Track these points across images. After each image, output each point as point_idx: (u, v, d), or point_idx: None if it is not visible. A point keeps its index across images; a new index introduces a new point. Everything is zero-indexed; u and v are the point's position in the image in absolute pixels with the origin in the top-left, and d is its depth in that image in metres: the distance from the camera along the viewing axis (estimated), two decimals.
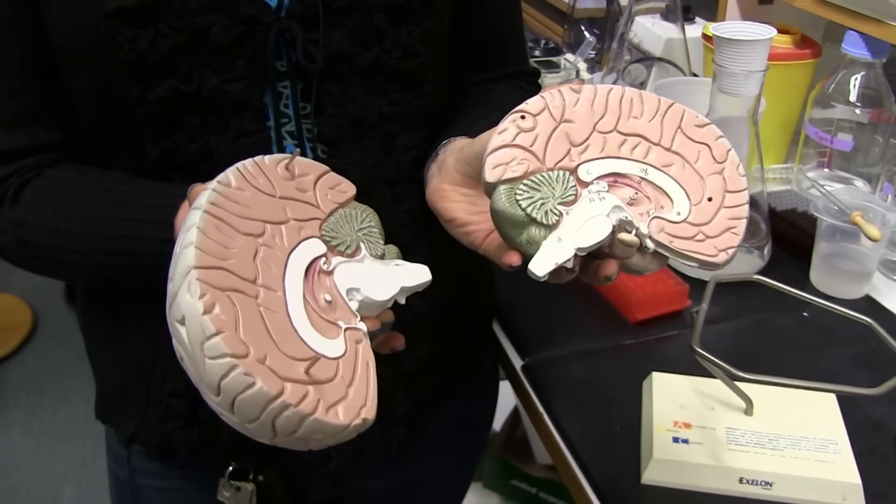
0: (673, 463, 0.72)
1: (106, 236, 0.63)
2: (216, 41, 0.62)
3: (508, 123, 0.54)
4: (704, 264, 0.53)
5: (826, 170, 1.16)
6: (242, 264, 0.47)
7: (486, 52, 0.81)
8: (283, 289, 0.49)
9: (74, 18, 0.61)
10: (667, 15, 1.37)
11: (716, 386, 0.79)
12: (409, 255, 0.72)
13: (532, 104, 0.55)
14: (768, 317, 0.94)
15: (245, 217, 0.49)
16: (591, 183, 0.54)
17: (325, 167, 0.57)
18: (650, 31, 1.37)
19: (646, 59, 1.36)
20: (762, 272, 0.99)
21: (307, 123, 0.68)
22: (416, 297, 0.73)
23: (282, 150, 0.68)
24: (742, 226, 0.54)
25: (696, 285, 0.95)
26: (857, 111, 1.08)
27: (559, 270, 0.52)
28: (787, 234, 1.05)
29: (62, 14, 0.61)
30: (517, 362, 0.88)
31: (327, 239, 0.54)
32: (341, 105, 0.67)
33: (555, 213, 0.52)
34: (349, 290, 0.52)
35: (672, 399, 0.79)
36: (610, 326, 0.93)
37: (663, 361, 0.86)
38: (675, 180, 0.54)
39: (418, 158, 0.71)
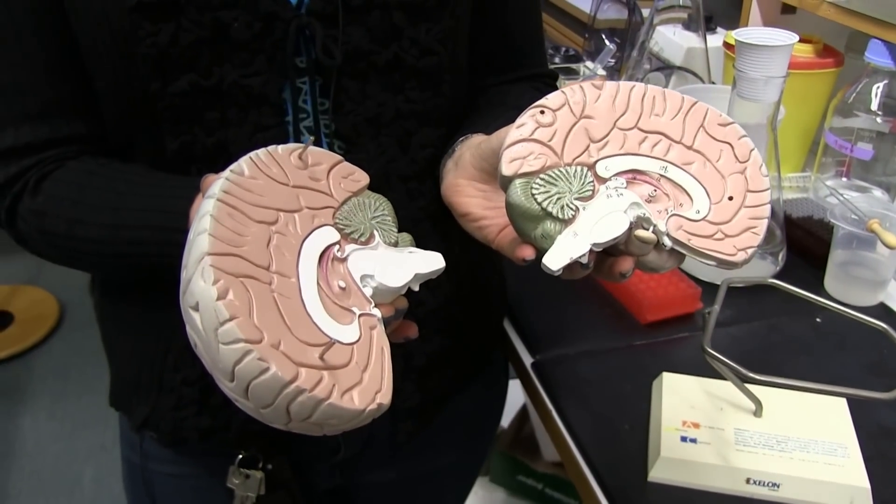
0: (680, 462, 0.73)
1: (122, 227, 0.63)
2: (237, 36, 0.62)
3: (527, 118, 0.55)
4: (723, 263, 0.53)
5: (844, 179, 1.16)
6: (256, 251, 0.47)
7: (505, 54, 0.81)
8: (296, 275, 0.49)
9: (98, 12, 0.61)
10: (688, 24, 1.37)
11: (725, 388, 0.79)
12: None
13: (552, 99, 0.56)
14: (781, 322, 0.94)
15: (258, 205, 0.49)
16: (609, 179, 0.54)
17: (338, 157, 0.57)
18: (671, 40, 1.37)
19: (665, 67, 1.37)
20: (776, 278, 0.98)
21: (325, 119, 0.68)
22: (428, 293, 0.74)
23: None
24: (763, 226, 0.53)
25: (708, 288, 0.95)
26: (879, 120, 1.08)
27: (573, 266, 0.52)
28: (802, 242, 1.05)
29: (86, 8, 0.62)
30: (527, 360, 0.89)
31: (341, 227, 0.54)
32: (359, 101, 0.68)
33: (571, 208, 0.53)
34: (363, 277, 0.52)
35: (681, 399, 0.79)
36: (621, 327, 0.93)
37: (673, 363, 0.86)
38: (696, 178, 0.55)
39: (434, 156, 0.72)
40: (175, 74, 0.62)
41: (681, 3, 1.30)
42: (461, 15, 0.72)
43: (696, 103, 0.56)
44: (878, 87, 1.07)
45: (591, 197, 0.54)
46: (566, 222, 0.52)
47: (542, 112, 0.55)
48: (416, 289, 0.55)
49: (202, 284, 0.44)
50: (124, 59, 0.62)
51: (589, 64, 1.44)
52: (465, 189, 0.65)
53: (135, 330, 0.75)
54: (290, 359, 0.44)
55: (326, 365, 0.46)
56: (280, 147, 0.53)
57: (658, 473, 0.73)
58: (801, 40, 1.17)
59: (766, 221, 0.54)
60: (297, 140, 0.68)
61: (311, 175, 0.54)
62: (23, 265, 2.79)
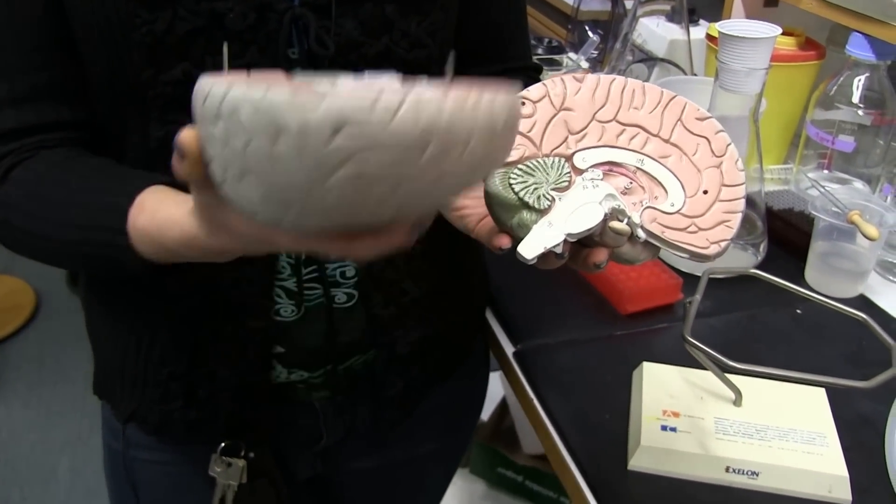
0: (660, 450, 0.73)
1: (68, 224, 0.62)
2: (231, 27, 0.63)
3: None
4: (695, 256, 0.53)
5: (826, 171, 1.16)
6: None
7: (488, 46, 0.82)
8: None
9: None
10: (671, 16, 1.37)
11: (706, 377, 0.80)
12: None
13: (533, 91, 0.56)
14: (761, 312, 0.95)
15: None
16: (586, 171, 0.55)
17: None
18: (654, 32, 1.37)
19: (648, 59, 1.37)
20: (758, 269, 0.99)
21: None
22: (412, 283, 0.74)
23: None
24: (737, 220, 0.54)
25: (690, 279, 0.96)
26: (860, 112, 1.09)
27: (548, 255, 0.53)
28: (784, 233, 1.06)
29: None
30: (509, 349, 0.89)
31: None
32: None
33: (547, 199, 0.53)
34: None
35: (662, 389, 0.80)
36: (602, 317, 0.94)
37: (654, 353, 0.87)
38: (672, 171, 0.55)
39: None
40: (169, 63, 0.62)
41: None
42: (450, 9, 0.72)
43: (674, 97, 0.57)
44: (860, 80, 1.08)
45: (567, 188, 0.54)
46: (542, 212, 0.53)
47: (523, 103, 0.56)
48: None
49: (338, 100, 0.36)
50: (118, 45, 0.62)
51: (572, 55, 1.44)
52: None
53: (120, 321, 0.75)
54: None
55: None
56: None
57: (638, 462, 0.74)
58: (783, 33, 1.18)
59: (740, 215, 0.54)
60: None
61: None
62: None
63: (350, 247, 0.43)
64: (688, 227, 0.54)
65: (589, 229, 0.52)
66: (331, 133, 0.36)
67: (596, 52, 1.49)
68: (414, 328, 0.76)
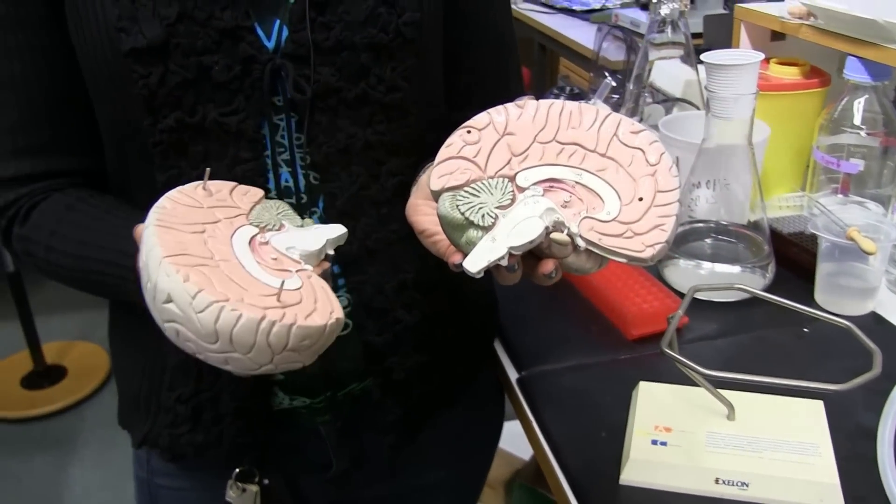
0: (650, 463, 0.75)
1: (84, 258, 0.73)
2: (218, 78, 0.70)
3: (455, 137, 0.60)
4: (632, 260, 0.57)
5: (840, 195, 1.17)
6: (197, 249, 0.57)
7: (481, 89, 0.87)
8: (235, 258, 0.59)
9: (98, 57, 0.70)
10: (685, 58, 1.42)
11: (702, 395, 0.81)
12: (395, 271, 0.78)
13: (478, 120, 0.61)
14: (767, 334, 0.96)
15: (185, 223, 0.60)
16: (528, 188, 0.59)
17: (234, 183, 0.69)
18: (670, 73, 1.42)
19: (667, 100, 1.41)
20: (766, 291, 1.00)
21: (301, 153, 0.75)
22: (404, 311, 0.79)
23: (277, 176, 0.75)
24: (671, 223, 0.57)
25: (694, 304, 0.98)
26: (863, 135, 1.10)
27: (500, 269, 0.57)
28: (794, 256, 1.07)
29: (87, 53, 0.71)
30: (513, 375, 0.92)
31: (256, 224, 0.65)
32: (331, 134, 0.74)
33: (491, 216, 0.58)
34: (287, 249, 0.63)
35: (657, 405, 0.82)
36: (608, 342, 0.96)
37: (656, 375, 0.88)
38: (608, 183, 0.59)
39: (403, 183, 0.77)
40: (164, 112, 0.70)
41: (672, 38, 1.34)
42: (427, 53, 0.78)
43: (609, 115, 0.61)
44: (859, 103, 1.09)
45: (510, 205, 0.58)
46: (486, 229, 0.57)
47: (469, 132, 0.61)
48: (332, 252, 0.65)
49: (167, 278, 0.54)
50: (121, 98, 0.71)
51: (593, 100, 1.49)
52: (421, 208, 0.69)
53: (136, 351, 0.82)
54: (255, 305, 0.54)
55: (284, 304, 0.56)
56: (186, 186, 0.65)
57: (629, 476, 0.76)
58: (787, 63, 1.21)
59: (674, 218, 0.57)
60: (276, 172, 0.75)
61: (217, 198, 0.65)
62: (76, 322, 2.95)
63: None
64: (624, 233, 0.57)
65: (530, 242, 0.56)
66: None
67: (616, 96, 1.53)
68: (410, 355, 0.80)
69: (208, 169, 0.67)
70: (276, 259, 0.61)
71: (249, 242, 0.62)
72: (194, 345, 0.55)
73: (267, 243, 0.63)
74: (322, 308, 0.58)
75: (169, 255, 0.54)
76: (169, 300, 0.54)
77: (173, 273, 0.53)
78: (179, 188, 0.65)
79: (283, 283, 0.57)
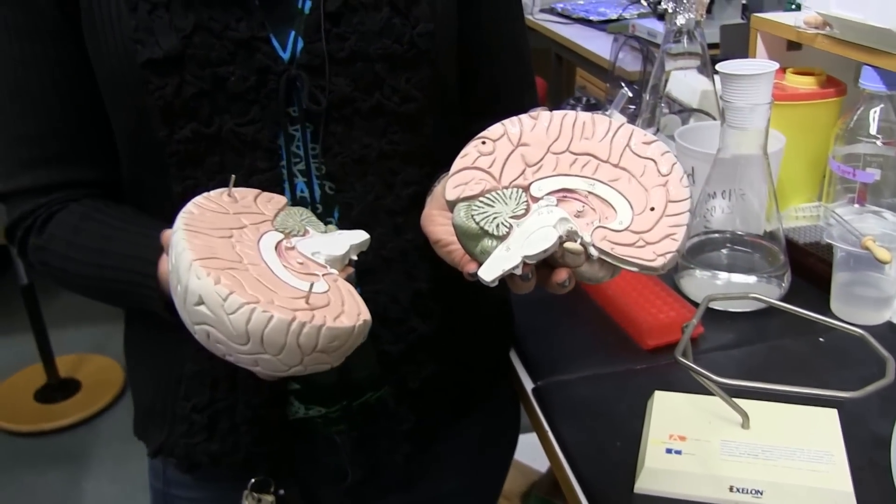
0: (664, 472, 0.75)
1: (104, 266, 0.74)
2: (233, 89, 0.71)
3: (470, 148, 0.62)
4: (643, 269, 0.58)
5: (857, 205, 1.17)
6: (226, 253, 0.58)
7: (496, 99, 0.88)
8: (264, 262, 0.60)
9: (115, 67, 0.71)
10: (702, 69, 1.42)
11: (717, 404, 0.81)
12: (410, 281, 0.79)
13: (492, 131, 0.62)
14: (783, 343, 0.96)
15: (213, 227, 0.61)
16: (542, 198, 0.60)
17: (258, 190, 0.70)
18: (686, 84, 1.42)
19: (684, 110, 1.42)
20: (782, 300, 1.01)
21: (316, 163, 0.76)
22: (419, 320, 0.80)
23: (292, 186, 0.76)
24: (681, 232, 0.58)
25: (709, 313, 0.98)
26: (879, 144, 1.10)
27: (515, 278, 0.58)
28: (809, 266, 1.07)
29: (103, 64, 0.72)
30: (528, 385, 0.93)
31: (281, 230, 0.66)
32: (346, 144, 0.75)
33: (505, 226, 0.59)
34: (313, 254, 0.64)
35: (671, 415, 0.82)
36: (624, 352, 0.96)
37: (671, 384, 0.89)
38: (621, 193, 0.60)
39: (418, 193, 0.78)
40: (180, 123, 0.71)
41: (688, 49, 1.35)
42: (441, 64, 0.79)
43: (622, 125, 0.62)
44: (875, 112, 1.09)
45: (524, 215, 0.59)
46: (501, 238, 0.58)
47: (484, 142, 0.62)
48: (355, 257, 0.67)
49: (198, 281, 0.55)
50: (137, 109, 0.72)
51: (609, 111, 1.50)
52: (436, 218, 0.70)
53: (151, 361, 0.83)
54: (285, 307, 0.55)
55: (313, 307, 0.57)
56: (212, 192, 0.66)
57: (643, 484, 0.76)
58: (803, 73, 1.21)
59: (685, 228, 0.58)
60: (291, 182, 0.76)
61: (242, 205, 0.66)
62: (89, 335, 2.97)
63: None
64: (636, 242, 0.58)
65: (544, 251, 0.57)
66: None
67: (633, 107, 1.54)
68: (424, 364, 0.81)
69: (233, 176, 0.68)
70: (302, 263, 0.63)
71: (276, 247, 0.63)
72: (225, 346, 0.56)
73: (293, 248, 0.65)
74: (350, 310, 0.59)
75: (199, 258, 0.56)
76: (200, 302, 0.55)
77: (204, 276, 0.55)
78: (205, 194, 0.66)
79: (311, 285, 0.58)
